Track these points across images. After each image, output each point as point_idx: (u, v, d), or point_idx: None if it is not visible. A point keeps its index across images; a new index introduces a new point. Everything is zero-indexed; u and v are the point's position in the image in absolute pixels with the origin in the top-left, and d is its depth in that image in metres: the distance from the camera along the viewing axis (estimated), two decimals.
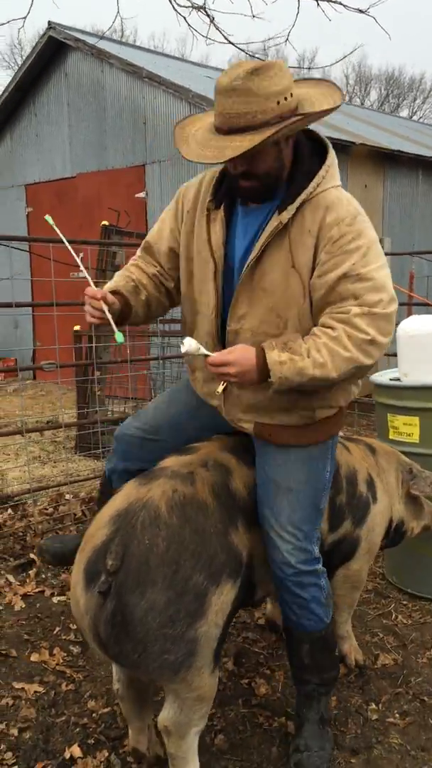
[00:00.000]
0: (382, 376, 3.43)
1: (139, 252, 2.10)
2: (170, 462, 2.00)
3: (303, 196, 1.73)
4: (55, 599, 3.11)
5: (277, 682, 2.62)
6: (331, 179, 1.78)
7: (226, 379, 1.79)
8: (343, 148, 7.94)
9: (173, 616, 1.71)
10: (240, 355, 1.72)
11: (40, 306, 5.13)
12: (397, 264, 8.76)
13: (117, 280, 1.99)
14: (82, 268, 1.98)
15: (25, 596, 3.10)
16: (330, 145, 1.84)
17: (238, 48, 3.94)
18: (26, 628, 2.89)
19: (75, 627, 2.91)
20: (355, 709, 2.48)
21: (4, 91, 10.11)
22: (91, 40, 8.74)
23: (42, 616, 2.98)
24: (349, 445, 2.46)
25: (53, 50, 9.46)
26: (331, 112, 1.73)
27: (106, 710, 2.41)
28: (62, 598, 3.12)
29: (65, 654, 2.73)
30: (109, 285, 1.97)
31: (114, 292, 1.92)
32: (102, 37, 7.58)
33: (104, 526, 1.82)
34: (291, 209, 1.73)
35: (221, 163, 1.75)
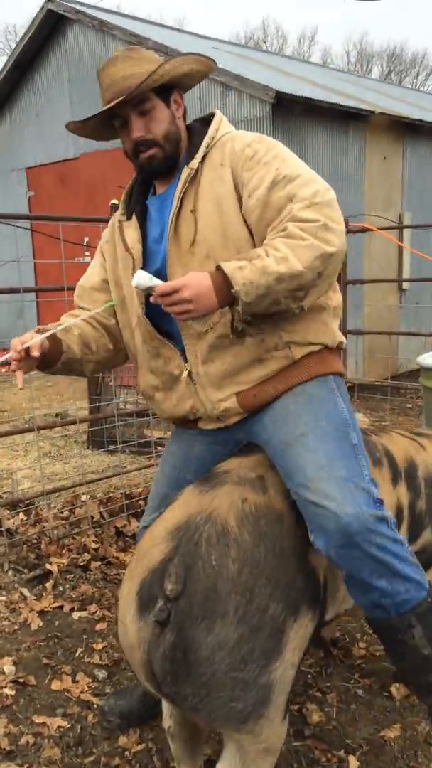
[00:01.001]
0: (430, 358, 3.09)
1: (75, 301, 2.05)
2: (233, 464, 1.71)
3: (207, 140, 1.75)
4: (75, 615, 2.80)
5: (330, 707, 2.31)
6: (226, 126, 1.82)
7: (180, 310, 1.55)
8: (361, 117, 7.55)
9: (246, 656, 1.42)
10: (191, 276, 1.56)
11: (47, 291, 4.76)
12: (418, 238, 8.39)
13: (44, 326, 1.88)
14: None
15: (42, 613, 2.79)
16: (217, 110, 1.87)
17: None
18: (45, 650, 2.58)
19: (99, 647, 2.60)
20: (423, 737, 2.16)
21: (2, 69, 9.70)
22: (91, 12, 8.32)
23: (62, 635, 2.67)
24: (424, 442, 2.13)
25: (52, 24, 9.04)
26: (206, 61, 1.78)
27: (140, 747, 2.11)
28: (83, 613, 2.81)
29: (90, 680, 2.43)
30: (34, 329, 1.83)
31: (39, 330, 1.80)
32: (100, 9, 7.18)
33: (161, 542, 1.53)
34: (198, 156, 1.73)
35: (109, 108, 1.71)
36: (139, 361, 1.91)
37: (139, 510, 3.67)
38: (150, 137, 1.73)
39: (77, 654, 2.57)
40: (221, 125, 1.81)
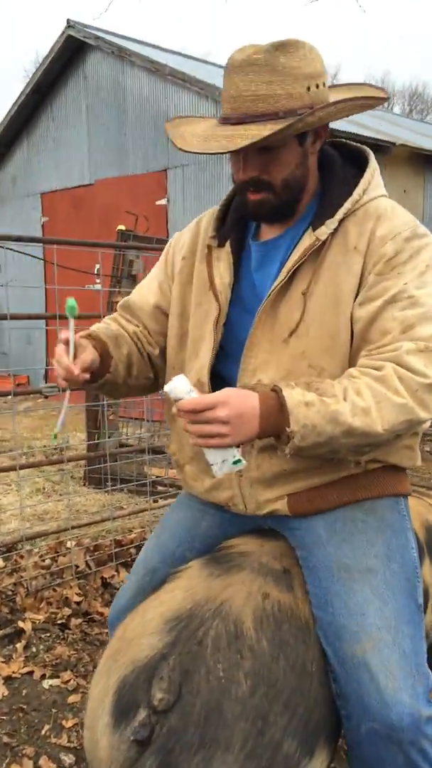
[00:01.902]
0: None
1: (118, 310, 1.68)
2: (251, 546, 1.42)
3: (348, 204, 1.33)
4: (45, 683, 2.49)
5: None
6: (377, 186, 1.40)
7: (210, 432, 1.18)
8: (380, 149, 7.36)
9: None
10: (235, 393, 1.21)
11: (37, 318, 4.53)
12: None
13: (94, 327, 1.54)
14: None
15: (8, 679, 2.48)
16: (370, 152, 1.45)
17: None
18: (7, 725, 2.27)
19: (69, 725, 2.29)
20: None
21: (20, 95, 9.68)
22: (111, 38, 8.27)
23: (28, 708, 2.36)
24: (429, 500, 1.85)
25: (72, 51, 9.02)
26: (376, 103, 1.37)
27: None
28: (55, 681, 2.50)
29: (54, 766, 2.11)
30: (83, 333, 1.49)
31: (88, 336, 1.46)
32: (119, 36, 7.09)
33: (154, 632, 1.24)
34: (331, 223, 1.32)
35: (226, 153, 1.28)
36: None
37: (130, 559, 3.37)
38: (265, 178, 1.32)
39: (43, 732, 2.25)
40: (371, 185, 1.37)
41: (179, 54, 10.15)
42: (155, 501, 4.01)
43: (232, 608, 1.26)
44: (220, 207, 1.52)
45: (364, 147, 1.46)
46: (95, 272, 7.16)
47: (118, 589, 3.17)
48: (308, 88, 1.26)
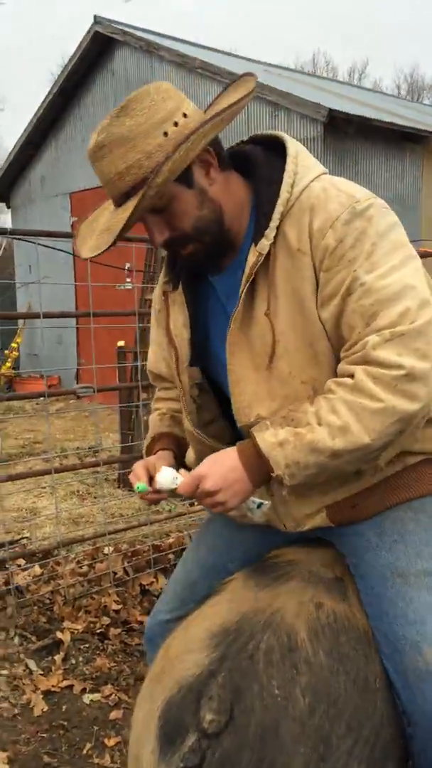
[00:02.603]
0: None
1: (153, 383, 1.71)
2: (299, 554, 1.34)
3: (280, 208, 1.24)
4: (86, 698, 2.38)
5: None
6: (306, 171, 1.27)
7: (209, 504, 1.25)
8: (418, 139, 7.15)
9: None
10: (213, 461, 1.25)
11: (71, 316, 4.44)
12: None
13: (153, 425, 1.60)
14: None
15: (48, 693, 2.38)
16: (285, 136, 1.32)
17: None
18: (47, 744, 2.16)
19: (111, 744, 2.18)
20: None
21: (47, 95, 9.64)
22: (139, 33, 8.17)
23: (68, 725, 2.25)
24: None
25: (99, 47, 8.94)
26: (239, 106, 1.23)
27: None
28: (96, 696, 2.40)
29: None
30: (148, 437, 1.58)
31: (156, 441, 1.54)
32: (147, 31, 6.97)
33: (200, 648, 1.15)
34: (270, 233, 1.24)
35: (115, 243, 1.26)
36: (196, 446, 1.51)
37: (168, 565, 3.25)
38: (177, 235, 1.27)
39: (85, 751, 2.14)
40: (298, 175, 1.25)
41: (207, 48, 10.00)
42: (191, 504, 3.89)
43: (284, 619, 1.17)
44: (168, 251, 1.43)
45: (277, 133, 1.34)
46: (125, 269, 7.07)
47: (157, 596, 3.05)
48: (165, 134, 1.19)
